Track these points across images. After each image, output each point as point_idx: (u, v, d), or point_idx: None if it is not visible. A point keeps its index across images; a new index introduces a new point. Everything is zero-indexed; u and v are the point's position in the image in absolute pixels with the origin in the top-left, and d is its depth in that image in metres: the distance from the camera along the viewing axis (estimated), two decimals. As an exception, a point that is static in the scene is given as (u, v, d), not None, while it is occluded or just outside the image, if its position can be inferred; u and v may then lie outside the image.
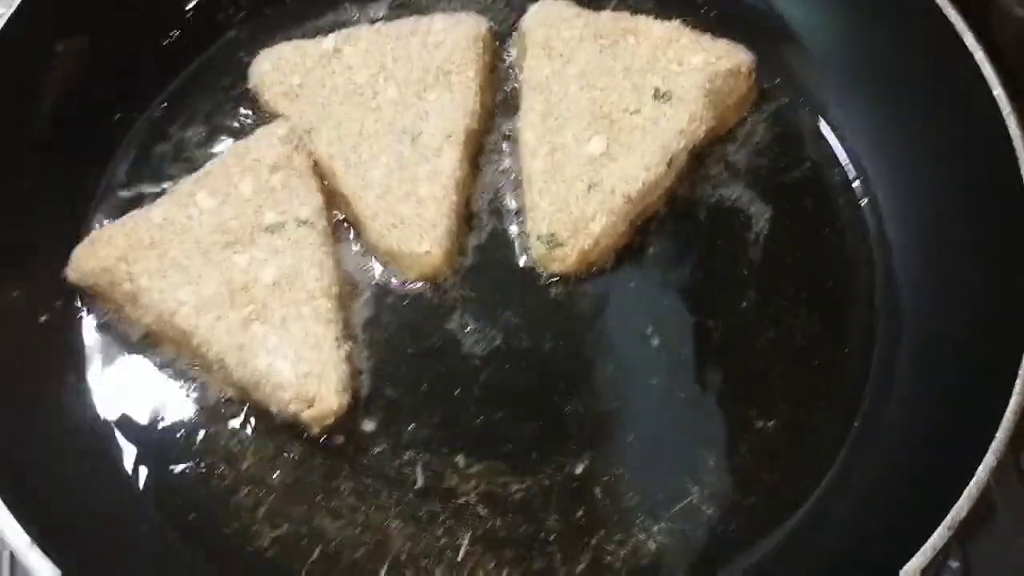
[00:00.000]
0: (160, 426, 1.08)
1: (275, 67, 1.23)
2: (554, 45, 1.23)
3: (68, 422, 1.08)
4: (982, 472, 0.94)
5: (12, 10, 1.11)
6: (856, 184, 1.22)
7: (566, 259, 1.13)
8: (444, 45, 1.22)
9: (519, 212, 1.19)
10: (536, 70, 1.22)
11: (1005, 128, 1.07)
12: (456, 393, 1.09)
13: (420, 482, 1.05)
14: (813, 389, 1.11)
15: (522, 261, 1.16)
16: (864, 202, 1.21)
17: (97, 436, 1.08)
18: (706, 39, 1.23)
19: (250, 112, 1.24)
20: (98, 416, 1.09)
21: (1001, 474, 1.00)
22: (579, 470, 1.06)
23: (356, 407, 1.08)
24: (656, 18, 1.24)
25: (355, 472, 1.06)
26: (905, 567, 0.91)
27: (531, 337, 1.12)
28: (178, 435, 1.07)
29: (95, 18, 1.20)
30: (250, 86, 1.24)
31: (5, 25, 1.11)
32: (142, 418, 1.09)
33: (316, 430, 1.06)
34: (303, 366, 1.04)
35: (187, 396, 1.09)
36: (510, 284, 1.15)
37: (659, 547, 1.03)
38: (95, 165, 1.21)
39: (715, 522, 1.05)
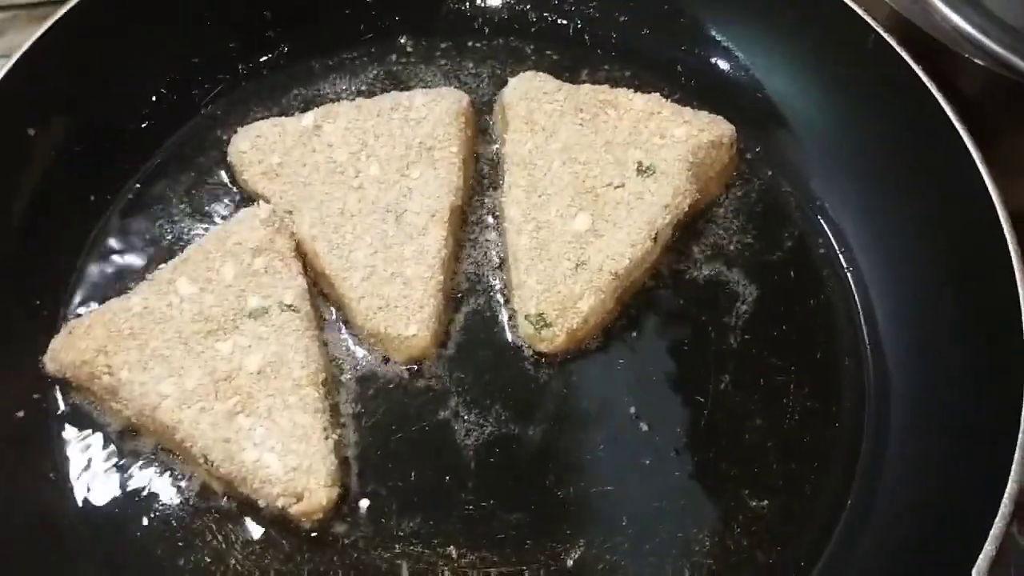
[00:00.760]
0: (144, 521, 1.05)
1: (254, 145, 1.21)
2: (536, 119, 1.22)
3: (47, 519, 1.05)
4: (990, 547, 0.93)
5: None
6: (840, 255, 1.22)
7: (555, 339, 1.12)
8: (426, 121, 1.21)
9: (504, 289, 1.18)
10: (519, 144, 1.21)
11: (989, 197, 1.08)
12: (447, 481, 1.07)
13: (411, 576, 1.03)
14: (806, 466, 1.10)
15: (509, 338, 1.15)
16: (849, 272, 1.21)
17: (76, 533, 1.05)
18: (687, 111, 1.23)
19: (229, 192, 1.23)
20: (79, 512, 1.05)
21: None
22: (572, 559, 1.04)
23: (346, 497, 1.05)
24: (636, 90, 1.24)
25: (345, 565, 1.03)
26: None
27: (521, 421, 1.10)
28: (163, 531, 1.04)
29: (69, 102, 1.18)
30: (228, 165, 1.22)
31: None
32: (124, 513, 1.05)
33: (306, 524, 1.03)
34: (291, 459, 1.02)
35: (170, 490, 1.06)
36: (498, 365, 1.14)
37: (655, 632, 1.02)
38: (68, 252, 1.18)
39: (711, 606, 1.04)
